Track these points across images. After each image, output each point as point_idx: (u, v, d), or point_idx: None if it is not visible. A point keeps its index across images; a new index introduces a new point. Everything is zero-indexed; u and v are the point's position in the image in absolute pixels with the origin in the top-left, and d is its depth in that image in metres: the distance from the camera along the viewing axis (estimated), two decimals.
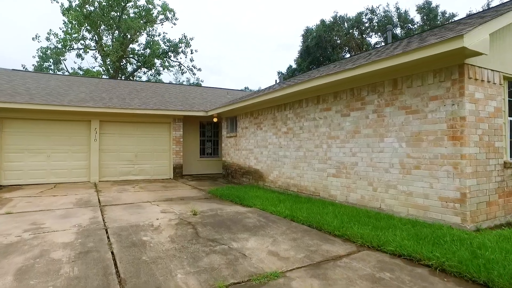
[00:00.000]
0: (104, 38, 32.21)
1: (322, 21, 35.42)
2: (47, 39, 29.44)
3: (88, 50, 30.90)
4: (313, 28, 36.11)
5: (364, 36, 37.15)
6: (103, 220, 5.57)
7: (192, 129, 14.20)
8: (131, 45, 34.51)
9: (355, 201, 6.70)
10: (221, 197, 8.24)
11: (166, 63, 36.69)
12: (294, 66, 39.01)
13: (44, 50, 29.79)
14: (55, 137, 11.14)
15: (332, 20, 35.11)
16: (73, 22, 29.41)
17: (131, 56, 35.20)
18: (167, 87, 17.15)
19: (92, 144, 11.56)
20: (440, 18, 31.58)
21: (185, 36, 34.88)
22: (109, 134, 12.04)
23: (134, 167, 12.44)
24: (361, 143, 6.62)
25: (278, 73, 40.78)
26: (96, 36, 31.24)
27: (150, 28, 34.50)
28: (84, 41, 30.59)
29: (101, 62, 31.29)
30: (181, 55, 35.71)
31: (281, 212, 6.06)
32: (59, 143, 11.19)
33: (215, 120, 13.93)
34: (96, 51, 31.58)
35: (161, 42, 35.13)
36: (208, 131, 14.88)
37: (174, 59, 36.01)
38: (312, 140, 8.01)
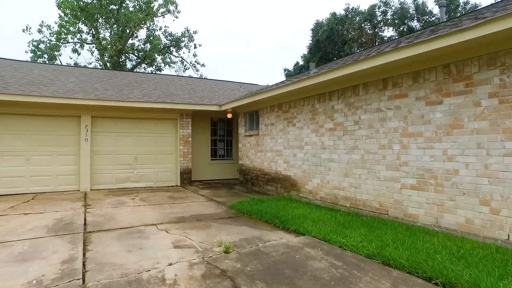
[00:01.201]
0: (102, 32, 30.12)
1: (333, 14, 33.42)
2: (39, 31, 27.26)
3: (84, 44, 28.75)
4: (323, 21, 34.11)
5: (376, 30, 35.13)
6: (83, 267, 3.46)
7: (202, 127, 12.11)
8: (130, 40, 32.43)
9: (454, 225, 4.60)
10: (250, 214, 6.14)
11: (168, 59, 34.58)
12: (301, 63, 36.99)
13: (36, 43, 27.62)
14: (37, 136, 9.04)
15: (344, 12, 33.09)
16: (68, 15, 27.29)
17: (131, 51, 33.10)
18: (172, 79, 15.04)
19: (82, 145, 9.46)
20: (461, 9, 29.51)
21: (188, 30, 32.79)
22: (104, 132, 9.95)
23: (133, 172, 10.34)
24: (464, 142, 4.53)
25: (285, 70, 38.77)
26: (93, 30, 29.11)
27: (151, 23, 32.41)
28: (81, 35, 28.44)
29: (98, 56, 29.14)
30: (184, 49, 33.50)
31: (358, 246, 3.97)
32: (42, 143, 9.08)
33: (229, 116, 11.84)
34: (93, 46, 29.44)
35: (162, 37, 33.04)
36: (220, 129, 12.77)
37: (176, 54, 33.91)
38: (375, 138, 5.91)
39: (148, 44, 32.95)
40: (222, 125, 12.80)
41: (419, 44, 4.59)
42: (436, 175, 4.88)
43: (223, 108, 10.84)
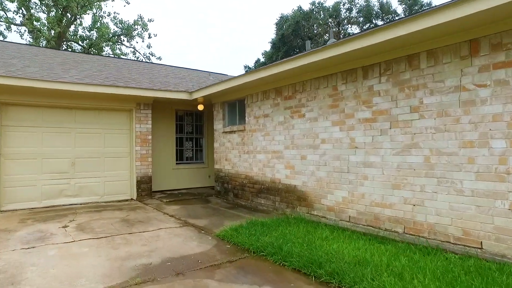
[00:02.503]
0: (36, 14, 25.46)
1: (299, 8, 32.04)
2: None
3: (11, 25, 24.03)
4: (288, 15, 32.57)
5: (341, 27, 34.43)
6: None
7: (165, 122, 9.42)
8: (73, 27, 28.08)
9: None
10: (261, 254, 3.79)
11: (117, 50, 30.60)
12: (262, 60, 35.24)
13: None
14: None
15: (310, 7, 31.86)
16: None
17: (73, 40, 28.70)
18: (125, 62, 12.04)
19: None
20: (425, 9, 29.69)
21: (141, 18, 29.23)
22: (23, 127, 6.93)
23: (70, 183, 7.41)
24: None
25: (245, 67, 36.70)
26: (23, 9, 24.45)
27: (98, 10, 28.30)
28: (6, 14, 23.67)
29: (31, 41, 24.55)
30: (137, 39, 29.88)
31: None
32: None
33: (200, 108, 9.30)
34: (23, 28, 24.77)
35: (111, 24, 29.10)
36: (187, 125, 10.17)
37: (128, 44, 30.16)
38: (453, 132, 3.88)
39: (95, 31, 28.89)
40: (189, 120, 10.20)
41: None
42: None
43: (194, 96, 8.31)
